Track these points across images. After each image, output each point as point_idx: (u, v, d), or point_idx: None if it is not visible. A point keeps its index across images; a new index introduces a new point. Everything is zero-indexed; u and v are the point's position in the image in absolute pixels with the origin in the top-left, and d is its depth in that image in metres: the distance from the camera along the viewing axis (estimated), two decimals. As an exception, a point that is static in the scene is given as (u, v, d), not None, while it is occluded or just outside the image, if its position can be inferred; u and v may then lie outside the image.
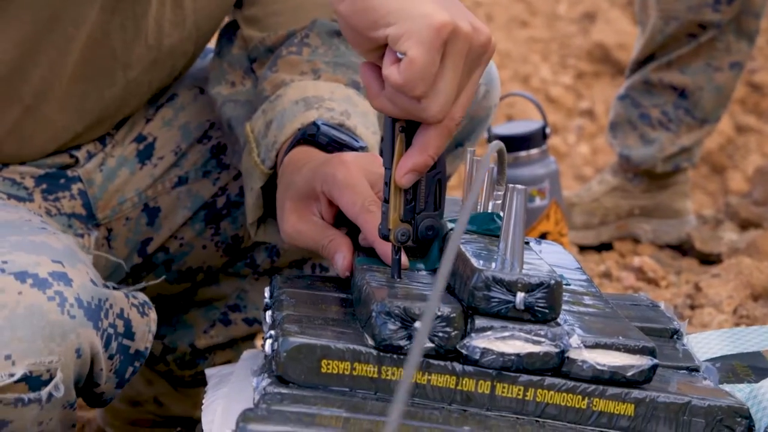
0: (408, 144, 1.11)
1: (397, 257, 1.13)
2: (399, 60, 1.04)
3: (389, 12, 1.04)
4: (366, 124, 1.40)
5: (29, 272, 1.19)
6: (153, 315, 1.34)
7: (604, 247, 2.79)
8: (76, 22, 1.37)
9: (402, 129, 1.10)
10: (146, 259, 1.60)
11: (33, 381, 1.17)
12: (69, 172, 1.51)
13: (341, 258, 1.21)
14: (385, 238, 1.13)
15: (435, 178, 1.12)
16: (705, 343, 1.25)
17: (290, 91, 1.42)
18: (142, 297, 1.34)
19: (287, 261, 1.67)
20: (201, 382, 1.74)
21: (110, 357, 1.27)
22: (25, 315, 1.16)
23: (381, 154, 1.14)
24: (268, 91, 1.44)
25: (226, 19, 1.56)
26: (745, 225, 2.83)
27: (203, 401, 1.16)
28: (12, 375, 1.15)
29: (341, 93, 1.42)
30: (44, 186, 1.49)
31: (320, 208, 1.26)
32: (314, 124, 1.35)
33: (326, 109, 1.38)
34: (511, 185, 1.07)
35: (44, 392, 1.18)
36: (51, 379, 1.18)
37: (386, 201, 1.12)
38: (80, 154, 1.52)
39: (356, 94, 1.44)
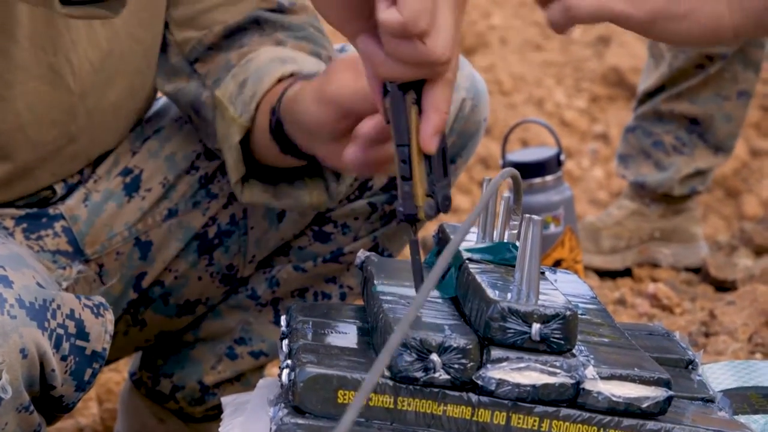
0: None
1: (416, 239, 1.10)
2: (394, 3, 1.01)
3: None
4: None
5: None
6: (109, 316, 1.32)
7: (622, 272, 2.79)
8: (9, 68, 1.38)
9: (414, 101, 1.07)
10: (142, 294, 1.60)
11: None
12: (51, 210, 1.52)
13: None
14: (413, 217, 1.09)
15: (440, 146, 1.09)
16: (720, 374, 1.25)
17: (261, 55, 1.45)
18: (98, 299, 1.33)
19: (288, 291, 1.67)
20: (212, 417, 1.74)
21: (63, 358, 1.26)
22: None
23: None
24: (235, 60, 1.47)
25: None
26: (759, 251, 2.83)
27: (219, 429, 1.17)
28: None
29: (309, 61, 1.45)
30: (25, 225, 1.50)
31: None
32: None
33: (302, 67, 1.41)
34: (526, 215, 1.07)
35: None
36: None
37: (406, 179, 1.08)
38: (57, 185, 1.52)
39: (321, 63, 1.46)
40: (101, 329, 1.30)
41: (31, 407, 1.24)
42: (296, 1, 1.55)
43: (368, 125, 1.22)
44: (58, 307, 1.25)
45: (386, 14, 1.01)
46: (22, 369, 1.20)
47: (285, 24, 1.52)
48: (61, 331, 1.25)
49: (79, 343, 1.28)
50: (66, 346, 1.26)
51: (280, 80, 1.40)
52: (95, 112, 1.48)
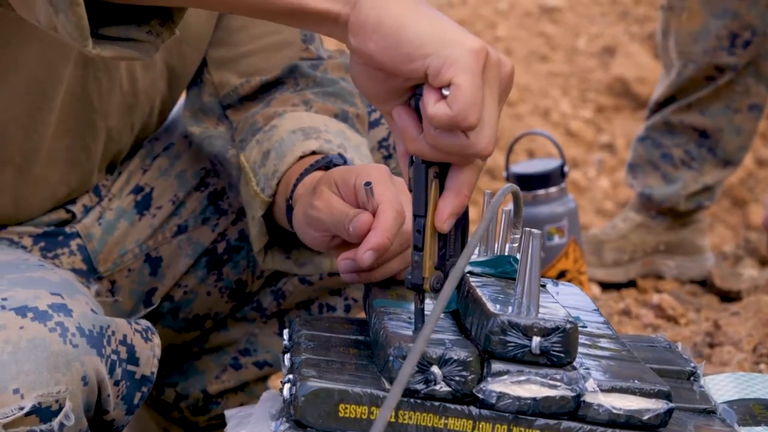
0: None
1: (422, 307, 1.12)
2: (443, 97, 1.01)
3: (423, 43, 1.02)
4: (361, 158, 1.43)
5: (29, 306, 1.21)
6: (156, 340, 1.34)
7: (626, 284, 2.79)
8: (52, 82, 1.40)
9: (436, 175, 1.08)
10: (152, 309, 1.61)
11: (43, 412, 1.18)
12: (67, 229, 1.53)
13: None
14: (418, 287, 1.10)
15: (460, 223, 1.11)
16: (723, 385, 1.25)
17: (285, 121, 1.45)
18: (145, 323, 1.35)
19: (293, 303, 1.68)
20: (216, 426, 1.75)
21: (116, 383, 1.28)
22: (28, 348, 1.18)
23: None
24: (261, 123, 1.47)
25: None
26: (765, 261, 2.83)
27: (223, 443, 1.17)
28: (22, 408, 1.17)
29: (334, 126, 1.45)
30: (42, 244, 1.51)
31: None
32: (340, 156, 1.38)
33: (324, 141, 1.42)
34: (527, 229, 1.08)
35: (55, 423, 1.19)
36: (60, 409, 1.19)
37: (418, 249, 1.09)
38: (76, 208, 1.54)
39: (347, 128, 1.47)
40: (150, 353, 1.33)
41: None
42: (333, 54, 1.56)
43: (368, 256, 1.22)
44: (113, 333, 1.27)
45: (435, 108, 1.01)
46: (83, 396, 1.22)
47: (317, 79, 1.52)
48: (114, 357, 1.27)
49: (130, 368, 1.30)
50: (119, 371, 1.28)
51: (301, 157, 1.41)
52: (114, 131, 1.51)
